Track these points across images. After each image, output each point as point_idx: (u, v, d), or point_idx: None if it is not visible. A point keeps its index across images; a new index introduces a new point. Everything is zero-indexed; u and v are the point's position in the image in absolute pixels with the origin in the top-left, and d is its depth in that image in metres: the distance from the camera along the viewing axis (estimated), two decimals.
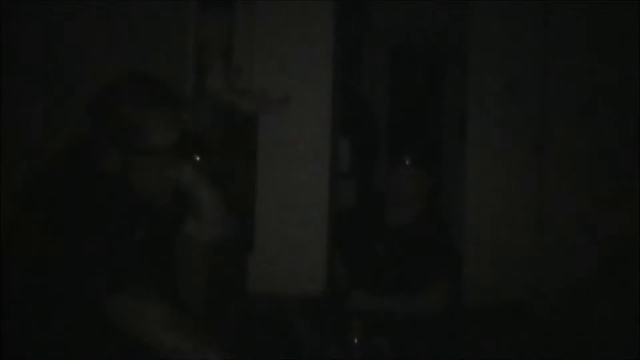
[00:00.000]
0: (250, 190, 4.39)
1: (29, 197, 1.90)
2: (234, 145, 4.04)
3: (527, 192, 4.79)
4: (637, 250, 3.55)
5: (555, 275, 4.61)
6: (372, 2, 5.91)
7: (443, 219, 3.54)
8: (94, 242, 1.81)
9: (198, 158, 3.30)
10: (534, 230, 4.78)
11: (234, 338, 2.01)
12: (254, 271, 4.25)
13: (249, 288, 3.96)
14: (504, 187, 4.79)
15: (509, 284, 4.53)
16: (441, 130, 5.92)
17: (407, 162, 3.31)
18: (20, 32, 3.62)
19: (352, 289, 3.18)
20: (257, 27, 4.56)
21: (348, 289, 3.19)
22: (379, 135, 5.98)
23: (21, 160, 3.23)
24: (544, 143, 4.80)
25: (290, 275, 4.19)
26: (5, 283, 1.89)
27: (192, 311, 2.03)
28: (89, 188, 1.88)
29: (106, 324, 1.82)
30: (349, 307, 3.12)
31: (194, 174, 2.08)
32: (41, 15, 3.65)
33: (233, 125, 4.07)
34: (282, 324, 2.81)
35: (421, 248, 3.25)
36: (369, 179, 5.67)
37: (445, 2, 5.45)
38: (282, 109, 4.32)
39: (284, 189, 4.59)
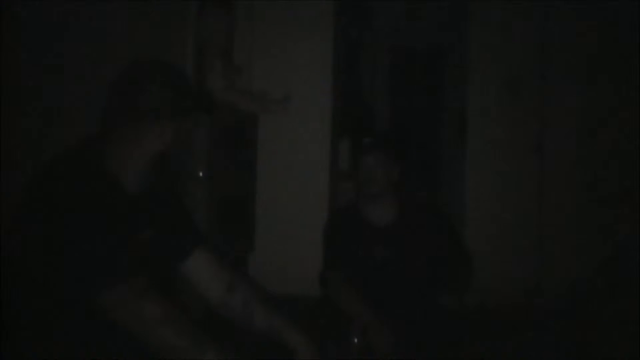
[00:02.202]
0: (250, 190, 4.39)
1: (29, 196, 1.90)
2: (233, 147, 4.04)
3: (527, 192, 4.79)
4: (637, 250, 3.55)
5: (555, 275, 4.61)
6: (372, 2, 5.91)
7: (431, 205, 3.28)
8: (91, 239, 1.82)
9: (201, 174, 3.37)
10: (534, 230, 4.78)
11: (234, 338, 2.01)
12: (254, 271, 4.26)
13: None
14: (504, 187, 4.79)
15: (509, 284, 4.53)
16: (441, 130, 5.91)
17: (372, 151, 3.01)
18: (20, 32, 3.62)
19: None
20: (257, 27, 4.57)
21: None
22: (379, 135, 5.97)
23: (21, 160, 3.23)
24: (544, 143, 4.80)
25: (290, 275, 4.19)
26: (5, 282, 1.89)
27: (192, 309, 2.02)
28: (89, 187, 1.88)
29: (105, 321, 1.82)
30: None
31: None
32: (41, 15, 3.65)
33: (233, 125, 4.06)
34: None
35: (426, 240, 3.02)
36: None
37: (445, 3, 5.45)
38: (282, 109, 4.32)
39: (284, 188, 4.60)
